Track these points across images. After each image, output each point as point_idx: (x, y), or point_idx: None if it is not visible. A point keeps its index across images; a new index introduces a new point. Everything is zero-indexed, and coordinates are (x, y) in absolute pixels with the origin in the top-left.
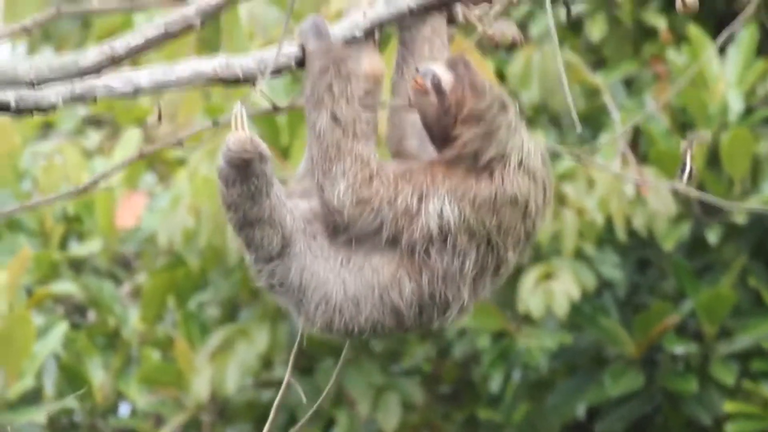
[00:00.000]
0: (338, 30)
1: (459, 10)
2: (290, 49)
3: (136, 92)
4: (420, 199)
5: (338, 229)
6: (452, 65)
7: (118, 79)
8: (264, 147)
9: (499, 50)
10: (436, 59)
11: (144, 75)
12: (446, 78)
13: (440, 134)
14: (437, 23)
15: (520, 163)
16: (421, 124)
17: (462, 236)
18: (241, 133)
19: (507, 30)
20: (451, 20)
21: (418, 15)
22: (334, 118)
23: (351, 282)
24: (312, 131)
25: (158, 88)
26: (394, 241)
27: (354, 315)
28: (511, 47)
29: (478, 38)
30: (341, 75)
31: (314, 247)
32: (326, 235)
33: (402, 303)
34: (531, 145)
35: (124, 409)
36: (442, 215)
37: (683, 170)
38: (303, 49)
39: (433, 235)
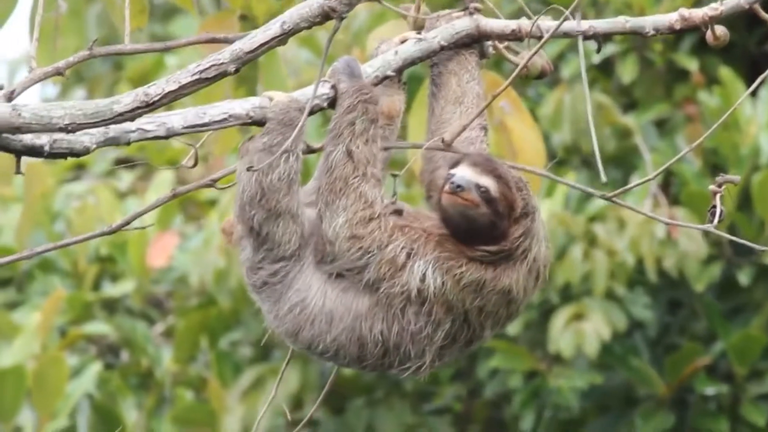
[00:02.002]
0: (370, 69)
1: (489, 45)
2: (323, 90)
3: (169, 135)
4: (408, 256)
5: (326, 259)
6: (485, 168)
7: (151, 122)
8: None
9: (530, 80)
10: (464, 93)
11: (177, 118)
12: (491, 185)
13: (490, 236)
14: (464, 57)
15: (530, 260)
16: (463, 228)
17: (439, 307)
18: (284, 96)
19: (537, 59)
20: (483, 55)
21: (447, 51)
22: (349, 154)
23: (332, 297)
24: (325, 161)
25: (191, 131)
26: (373, 287)
27: (324, 331)
28: (541, 76)
29: (508, 68)
30: (367, 116)
31: (311, 254)
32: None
33: (370, 338)
34: (543, 233)
35: None
36: (424, 280)
37: (713, 212)
38: (335, 88)
39: (412, 295)
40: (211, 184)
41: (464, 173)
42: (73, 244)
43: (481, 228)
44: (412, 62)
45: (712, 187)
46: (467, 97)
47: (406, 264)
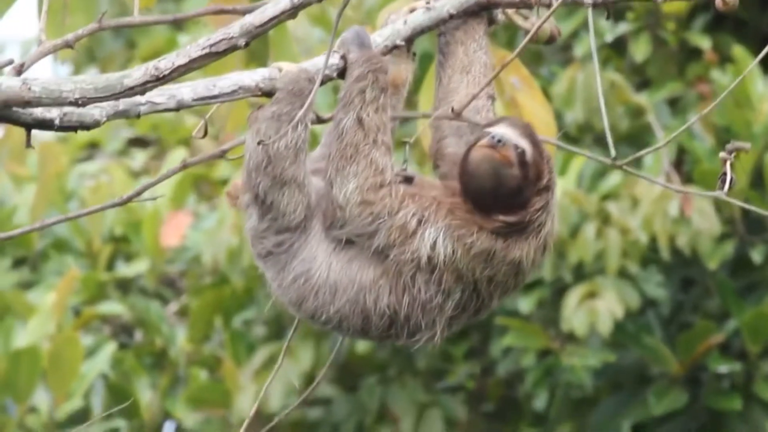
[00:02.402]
0: (379, 39)
1: (498, 12)
2: (332, 61)
3: (179, 107)
4: (419, 222)
5: (335, 224)
6: (523, 131)
7: (160, 95)
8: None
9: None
10: (472, 63)
11: (186, 90)
12: (528, 148)
13: (511, 203)
14: (471, 26)
15: (543, 235)
16: (488, 187)
17: (449, 275)
18: (293, 66)
19: (545, 24)
20: (492, 22)
21: (455, 20)
22: (359, 121)
23: (336, 269)
24: (335, 128)
25: (201, 103)
26: (382, 255)
27: (327, 303)
28: (550, 41)
29: (519, 42)
30: (377, 84)
31: (317, 224)
32: (324, 223)
33: (374, 310)
34: (556, 209)
35: (168, 428)
36: (435, 247)
37: (723, 180)
38: (344, 58)
39: (422, 262)
40: (221, 156)
41: (505, 131)
42: (84, 215)
43: (508, 191)
44: (422, 31)
45: (722, 154)
46: (474, 67)
47: (417, 231)
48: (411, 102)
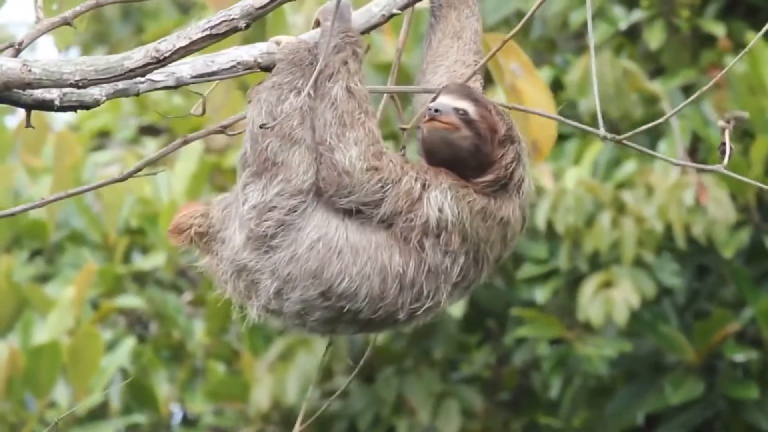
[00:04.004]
0: (376, 8)
1: None
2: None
3: (179, 85)
4: (423, 186)
5: (340, 192)
6: (461, 93)
7: (160, 72)
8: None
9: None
10: (463, 28)
11: (185, 68)
12: (469, 107)
13: (477, 163)
14: None
15: (523, 193)
16: (448, 157)
17: (456, 236)
18: (292, 38)
19: None
20: None
21: None
22: (349, 91)
23: (353, 230)
24: (326, 98)
25: (200, 80)
26: (388, 223)
27: (350, 263)
28: None
29: None
30: (357, 57)
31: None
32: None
33: (390, 269)
34: (528, 170)
35: (176, 418)
36: (442, 210)
37: (723, 152)
38: (318, 23)
39: (431, 226)
40: (222, 131)
41: (441, 100)
42: (86, 191)
43: (466, 153)
44: None
45: (720, 122)
46: (466, 33)
47: (423, 195)
48: (407, 98)
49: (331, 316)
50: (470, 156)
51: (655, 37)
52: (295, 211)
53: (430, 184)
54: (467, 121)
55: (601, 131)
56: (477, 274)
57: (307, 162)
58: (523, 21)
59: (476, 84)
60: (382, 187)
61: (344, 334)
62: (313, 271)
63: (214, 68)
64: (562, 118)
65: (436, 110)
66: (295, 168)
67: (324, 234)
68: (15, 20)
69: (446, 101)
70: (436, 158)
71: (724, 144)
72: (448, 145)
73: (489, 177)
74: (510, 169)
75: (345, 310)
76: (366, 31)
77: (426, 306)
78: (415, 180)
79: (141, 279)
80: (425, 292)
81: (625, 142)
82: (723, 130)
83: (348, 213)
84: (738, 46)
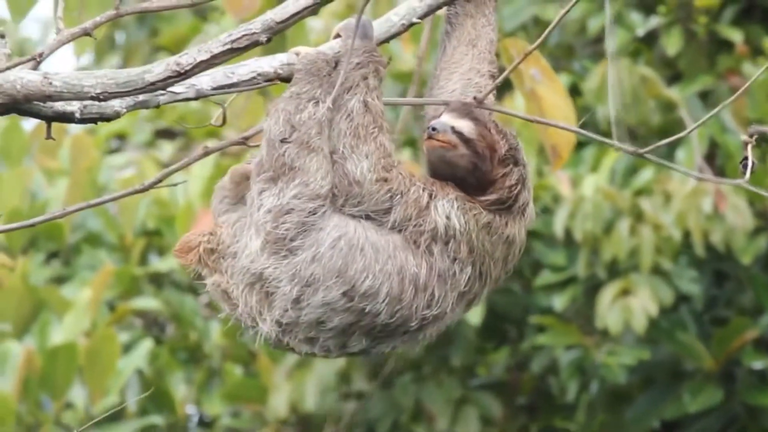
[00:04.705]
0: (396, 17)
1: None
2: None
3: (199, 96)
4: (430, 196)
5: (350, 201)
6: (462, 112)
7: (180, 84)
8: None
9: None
10: (479, 37)
11: (206, 79)
12: (466, 126)
13: (477, 181)
14: (482, 1)
15: (528, 218)
16: (447, 174)
17: (464, 246)
18: (311, 49)
19: None
20: None
21: None
22: (366, 105)
23: (371, 230)
24: (342, 109)
25: (220, 92)
26: (399, 229)
27: (373, 261)
28: None
29: None
30: (377, 75)
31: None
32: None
33: (407, 269)
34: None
35: (193, 420)
36: (449, 218)
37: (745, 166)
38: (338, 37)
39: (439, 232)
40: (243, 142)
41: (441, 118)
42: (108, 202)
43: (464, 171)
44: (438, 7)
45: (743, 137)
46: (481, 42)
47: (430, 204)
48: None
49: (350, 321)
50: (468, 174)
51: (672, 43)
52: (315, 213)
53: (437, 195)
54: (465, 140)
55: (624, 145)
56: (481, 289)
57: (324, 169)
58: (547, 31)
59: (488, 97)
60: (392, 197)
61: (354, 350)
62: (338, 269)
63: (234, 80)
64: (581, 131)
65: (434, 129)
66: (313, 173)
67: (344, 233)
68: (35, 34)
69: (445, 120)
70: (438, 175)
71: (746, 158)
72: (445, 163)
73: (492, 197)
74: (514, 192)
75: (366, 311)
76: (386, 41)
77: (434, 313)
78: (423, 190)
79: (157, 281)
80: (436, 297)
81: (645, 155)
82: (746, 144)
83: (362, 217)
84: (755, 51)
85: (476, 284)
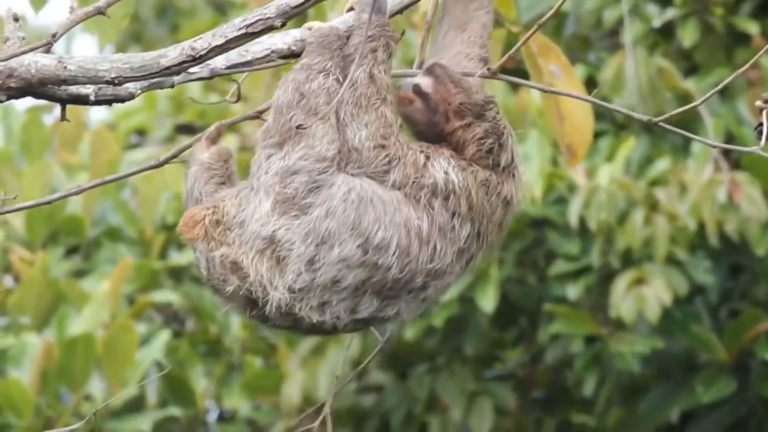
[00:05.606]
0: None
1: None
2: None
3: (213, 75)
4: (427, 158)
5: (350, 164)
6: (428, 71)
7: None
8: None
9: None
10: (469, 20)
11: (220, 58)
12: (424, 81)
13: (434, 135)
14: None
15: (518, 178)
16: (414, 131)
17: (463, 201)
18: (324, 24)
19: None
20: None
21: None
22: (371, 76)
23: (376, 187)
24: (348, 78)
25: (234, 71)
26: (399, 188)
27: (383, 212)
28: None
29: None
30: (388, 49)
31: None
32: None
33: (412, 223)
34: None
35: (212, 415)
36: (448, 173)
37: (760, 132)
38: (352, 9)
39: (439, 186)
40: (257, 116)
41: (410, 80)
42: (123, 178)
43: (422, 125)
44: None
45: (758, 103)
46: (471, 25)
47: (427, 163)
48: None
49: (363, 278)
50: (426, 128)
51: (688, 35)
52: (324, 173)
53: (434, 156)
54: (419, 92)
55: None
56: (478, 249)
57: (330, 136)
58: (545, 18)
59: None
60: (389, 161)
61: (363, 314)
62: (352, 222)
63: (248, 57)
64: (598, 101)
65: (398, 88)
66: (319, 138)
67: (353, 186)
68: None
69: (411, 79)
70: (423, 138)
71: (761, 124)
72: (406, 118)
73: (468, 152)
74: (485, 145)
75: (378, 264)
76: (399, 11)
77: (436, 267)
78: (420, 152)
79: (177, 274)
80: (438, 250)
81: (662, 125)
82: (760, 110)
83: (364, 176)
84: None
85: (474, 243)
